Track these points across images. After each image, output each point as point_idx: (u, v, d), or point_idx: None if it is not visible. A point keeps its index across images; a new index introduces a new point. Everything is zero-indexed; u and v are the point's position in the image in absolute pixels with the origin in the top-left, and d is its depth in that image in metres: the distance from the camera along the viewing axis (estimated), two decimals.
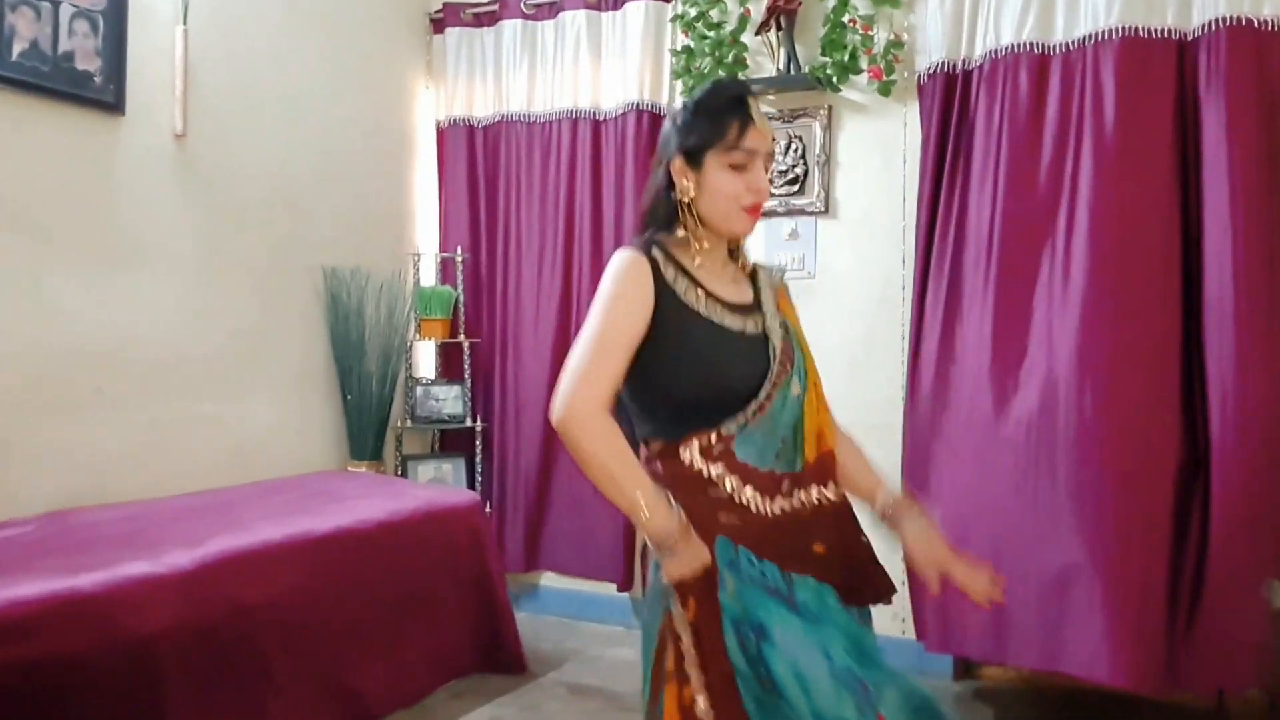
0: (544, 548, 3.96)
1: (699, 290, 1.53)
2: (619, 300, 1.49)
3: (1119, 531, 2.73)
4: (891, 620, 3.22)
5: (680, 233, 1.57)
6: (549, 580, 4.03)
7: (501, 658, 3.25)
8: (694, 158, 1.54)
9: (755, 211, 1.56)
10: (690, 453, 1.50)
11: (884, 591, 1.59)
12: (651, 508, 1.41)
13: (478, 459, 4.06)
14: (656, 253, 1.54)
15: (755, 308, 1.59)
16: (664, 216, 1.59)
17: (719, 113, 1.54)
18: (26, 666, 1.98)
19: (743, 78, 3.51)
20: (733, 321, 1.54)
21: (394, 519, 2.97)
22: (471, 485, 4.03)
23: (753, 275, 1.66)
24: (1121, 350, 2.76)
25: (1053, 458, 2.83)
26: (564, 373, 1.47)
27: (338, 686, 2.70)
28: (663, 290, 1.51)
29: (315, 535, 2.71)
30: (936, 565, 1.58)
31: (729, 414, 1.49)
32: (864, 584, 1.57)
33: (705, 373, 1.50)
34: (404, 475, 3.97)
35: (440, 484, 3.96)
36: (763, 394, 1.50)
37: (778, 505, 1.50)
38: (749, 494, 1.48)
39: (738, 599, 1.42)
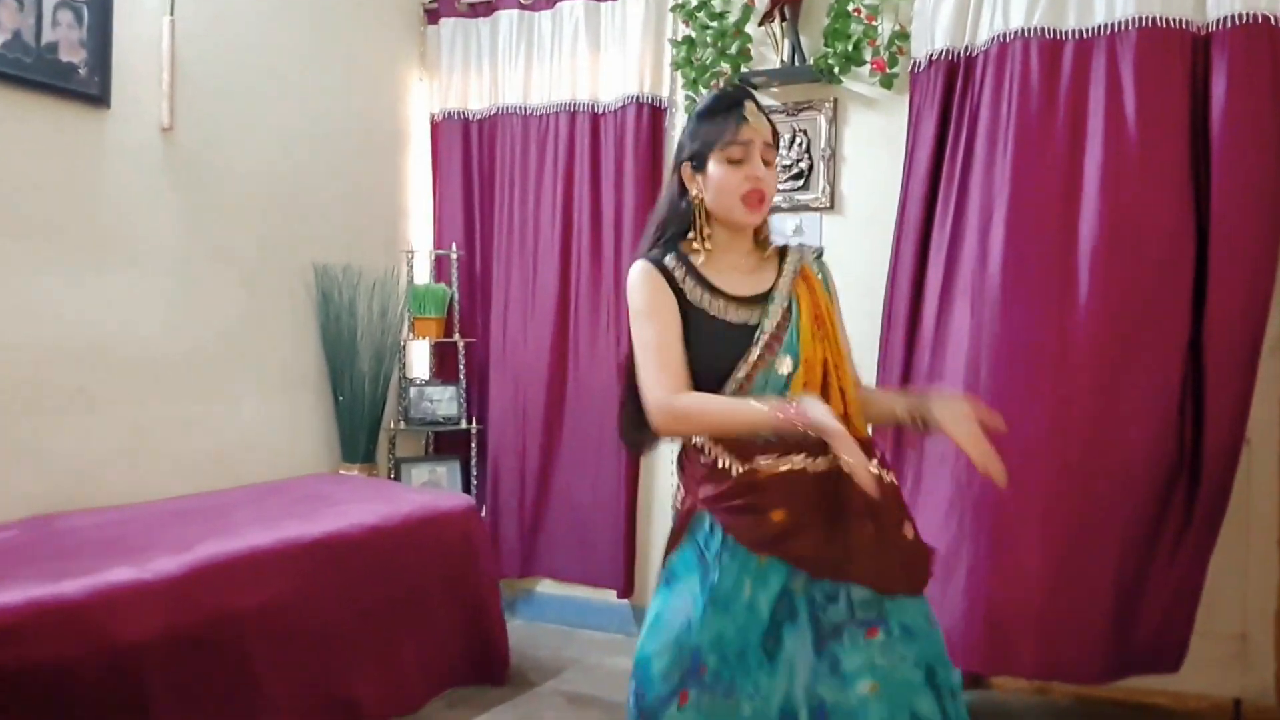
0: (541, 553, 3.96)
1: (704, 289, 1.74)
2: (654, 305, 1.73)
3: (1109, 531, 2.77)
4: None
5: (691, 234, 1.78)
6: (546, 587, 4.03)
7: (490, 668, 3.25)
8: (699, 161, 1.75)
9: (755, 200, 1.73)
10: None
11: (869, 575, 1.64)
12: (768, 409, 1.60)
13: (473, 462, 4.06)
14: (670, 260, 1.76)
15: (766, 296, 1.75)
16: (679, 221, 1.80)
17: (715, 115, 1.75)
18: (8, 675, 1.98)
19: (745, 70, 3.52)
20: (735, 314, 1.73)
21: (387, 524, 2.97)
22: (466, 489, 4.04)
23: (782, 259, 1.81)
24: (1128, 351, 2.78)
25: (1050, 457, 2.84)
26: (643, 393, 1.71)
27: (330, 696, 2.70)
28: (677, 292, 1.74)
29: (306, 540, 2.71)
30: (968, 420, 1.64)
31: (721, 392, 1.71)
32: (846, 559, 1.63)
33: (702, 359, 1.71)
34: (397, 478, 3.98)
35: (434, 487, 3.96)
36: (741, 374, 1.69)
37: (758, 464, 1.66)
38: (728, 460, 1.68)
39: (679, 553, 1.74)
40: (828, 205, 3.51)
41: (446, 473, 4.06)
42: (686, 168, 1.77)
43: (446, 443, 4.15)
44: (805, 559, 1.64)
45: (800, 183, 3.54)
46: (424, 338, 4.06)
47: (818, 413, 1.57)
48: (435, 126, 4.21)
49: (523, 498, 3.96)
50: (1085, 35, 2.92)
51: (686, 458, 1.78)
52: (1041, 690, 3.22)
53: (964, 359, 3.01)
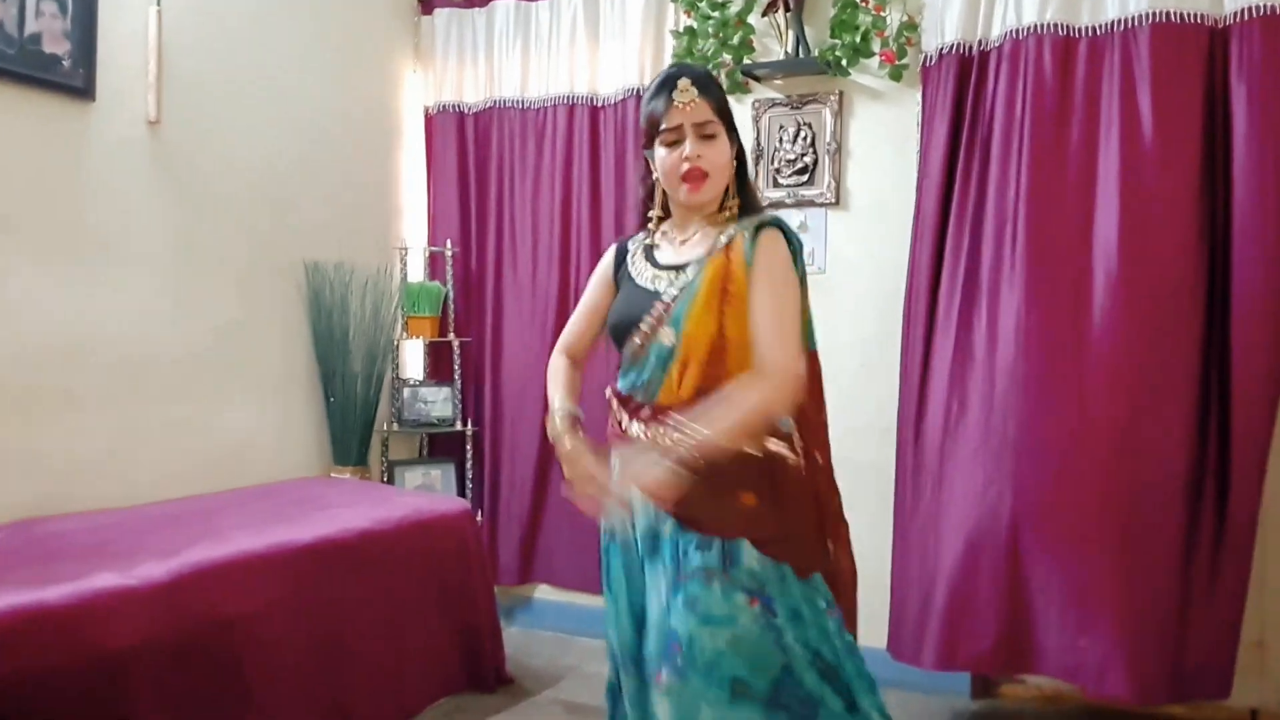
0: (538, 559, 3.96)
1: (647, 261, 1.91)
2: (593, 278, 2.05)
3: (1135, 538, 2.78)
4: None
5: (651, 213, 1.96)
6: (544, 593, 4.02)
7: (485, 676, 3.24)
8: (648, 143, 1.88)
9: (692, 178, 1.81)
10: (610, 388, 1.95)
11: (706, 526, 1.77)
12: (554, 412, 1.91)
13: (468, 465, 4.05)
14: (639, 237, 1.98)
15: (684, 267, 1.86)
16: (650, 200, 1.97)
17: (652, 99, 1.85)
18: None
19: (748, 61, 3.51)
20: (649, 279, 1.88)
21: (380, 528, 2.96)
22: (462, 492, 4.02)
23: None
24: (1144, 350, 2.79)
25: (1074, 460, 2.85)
26: None
27: (321, 705, 2.69)
28: (619, 267, 1.97)
29: (297, 545, 2.70)
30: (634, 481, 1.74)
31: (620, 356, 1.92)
32: (699, 517, 1.76)
33: (611, 320, 1.93)
34: (390, 482, 3.97)
35: (429, 491, 3.95)
36: (636, 340, 1.84)
37: (635, 429, 1.84)
38: (624, 417, 1.87)
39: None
40: (833, 201, 3.49)
41: (441, 476, 4.05)
42: (645, 151, 1.91)
43: (441, 445, 4.14)
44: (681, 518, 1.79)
45: (805, 178, 3.52)
46: (418, 337, 4.04)
47: (562, 445, 1.85)
48: (429, 119, 4.20)
49: (520, 502, 3.95)
50: (1099, 31, 2.93)
51: (607, 407, 1.99)
52: (1051, 699, 3.21)
53: (983, 359, 3.02)
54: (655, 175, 1.89)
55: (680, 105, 1.79)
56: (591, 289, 2.03)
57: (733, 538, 1.75)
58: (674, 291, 1.81)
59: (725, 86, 3.13)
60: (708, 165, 1.80)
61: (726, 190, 1.87)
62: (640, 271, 1.90)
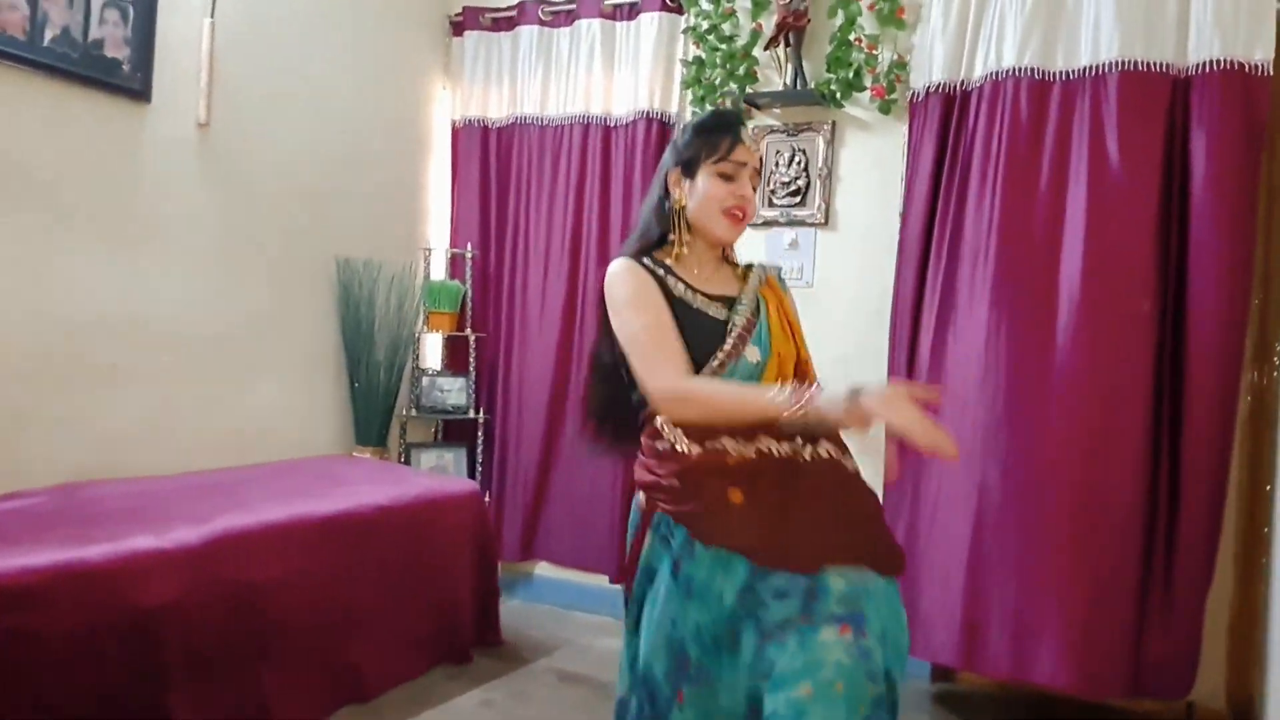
0: (540, 538, 3.96)
1: (684, 285, 1.70)
2: (643, 295, 1.67)
3: (1090, 545, 2.76)
4: None
5: (671, 238, 1.75)
6: (543, 570, 4.03)
7: (485, 642, 3.27)
8: (689, 169, 1.73)
9: (737, 217, 1.71)
10: (660, 416, 1.67)
11: (805, 560, 1.51)
12: (784, 397, 1.47)
13: (479, 450, 4.06)
14: (647, 260, 1.73)
15: (735, 299, 1.72)
16: (658, 225, 1.76)
17: (714, 131, 1.72)
18: (33, 634, 1.98)
19: (750, 90, 3.51)
20: (712, 308, 1.69)
21: (395, 504, 2.97)
22: (472, 475, 4.03)
23: (746, 275, 1.80)
24: (1099, 371, 2.79)
25: (1031, 472, 2.85)
26: (643, 379, 1.62)
27: (335, 664, 2.71)
28: (661, 285, 1.69)
29: (318, 517, 2.71)
30: (902, 402, 1.40)
31: None
32: (795, 547, 1.53)
33: (691, 346, 1.65)
34: (407, 462, 3.97)
35: (442, 472, 3.96)
36: (715, 362, 1.64)
37: (724, 446, 1.58)
38: (686, 443, 1.61)
39: (649, 549, 1.66)
40: (823, 221, 3.50)
41: (454, 459, 4.06)
42: (675, 173, 1.74)
43: (455, 431, 4.15)
44: (748, 549, 1.53)
45: (798, 199, 3.53)
46: (437, 331, 4.05)
47: (825, 400, 1.44)
48: (456, 133, 4.20)
49: (524, 485, 3.96)
50: (1072, 76, 2.93)
51: (642, 448, 1.71)
52: (1002, 686, 3.22)
53: (953, 374, 3.03)
54: (680, 200, 1.73)
55: (749, 147, 1.72)
56: (657, 308, 1.66)
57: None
58: (741, 318, 1.68)
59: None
60: (750, 208, 1.73)
61: None
62: (690, 297, 1.69)
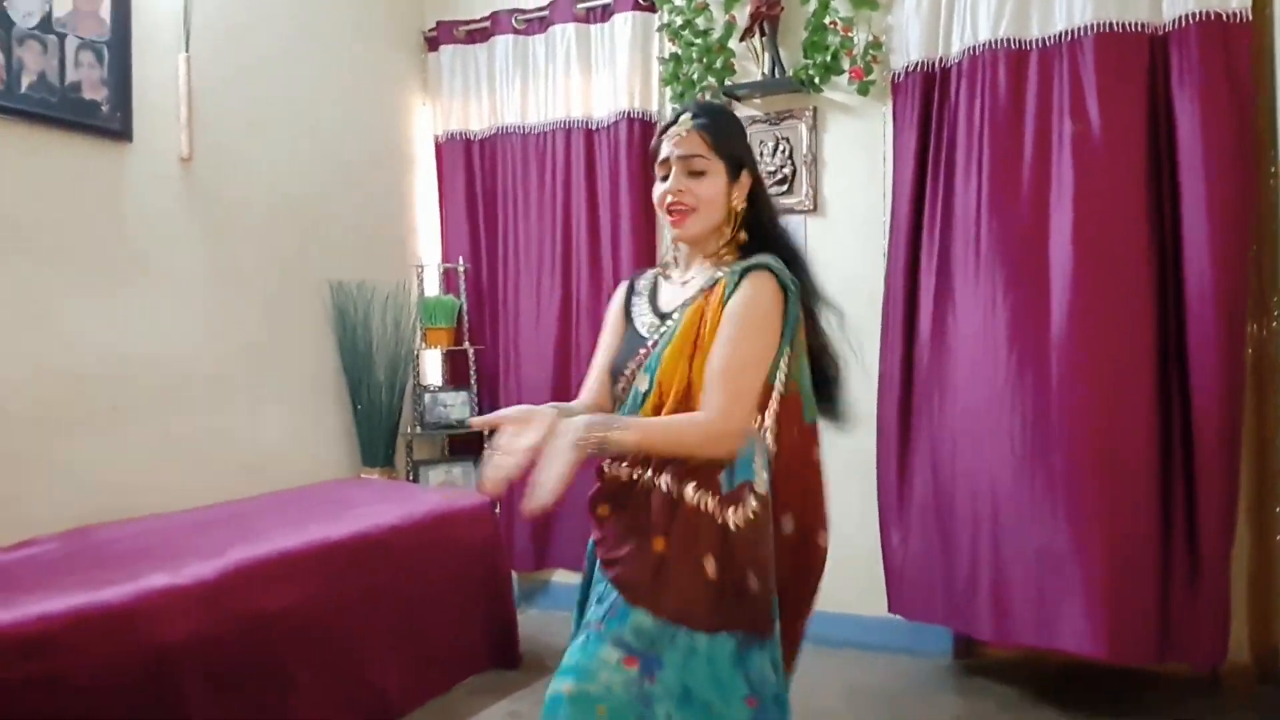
0: (554, 546, 3.95)
1: (649, 302, 1.69)
2: (606, 319, 1.76)
3: (1108, 509, 2.74)
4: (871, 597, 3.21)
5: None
6: (560, 577, 4.02)
7: (506, 655, 3.25)
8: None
9: (675, 213, 1.62)
10: None
11: (622, 586, 1.54)
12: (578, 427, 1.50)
13: None
14: (650, 273, 1.76)
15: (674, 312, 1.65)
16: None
17: (658, 135, 1.67)
18: (56, 679, 1.97)
19: (729, 82, 3.51)
20: (647, 324, 1.65)
21: (407, 523, 2.96)
22: None
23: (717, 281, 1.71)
24: (1103, 336, 2.77)
25: (1043, 440, 2.84)
26: None
27: (359, 687, 2.69)
28: (627, 307, 1.72)
29: (331, 542, 2.70)
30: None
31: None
32: (647, 585, 1.52)
33: (611, 369, 1.68)
34: (415, 480, 3.97)
35: (451, 488, 3.95)
36: (619, 386, 1.65)
37: (620, 470, 1.59)
38: (608, 462, 1.62)
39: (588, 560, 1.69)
40: (811, 208, 3.49)
41: (462, 473, 4.05)
42: None
43: (461, 445, 4.14)
44: (596, 554, 1.61)
45: (785, 188, 3.52)
46: (436, 346, 4.04)
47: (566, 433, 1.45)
48: (439, 147, 4.19)
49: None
50: (1049, 43, 2.92)
51: None
52: (1029, 656, 3.20)
53: (956, 351, 3.02)
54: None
55: (670, 137, 1.61)
56: (609, 329, 1.73)
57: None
58: (655, 337, 1.60)
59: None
60: (692, 200, 1.58)
61: (730, 226, 1.63)
62: (640, 314, 1.67)
